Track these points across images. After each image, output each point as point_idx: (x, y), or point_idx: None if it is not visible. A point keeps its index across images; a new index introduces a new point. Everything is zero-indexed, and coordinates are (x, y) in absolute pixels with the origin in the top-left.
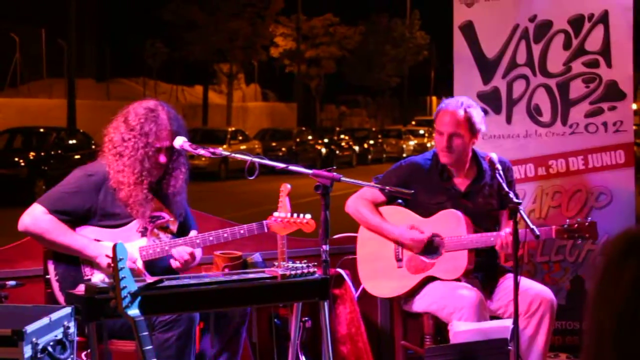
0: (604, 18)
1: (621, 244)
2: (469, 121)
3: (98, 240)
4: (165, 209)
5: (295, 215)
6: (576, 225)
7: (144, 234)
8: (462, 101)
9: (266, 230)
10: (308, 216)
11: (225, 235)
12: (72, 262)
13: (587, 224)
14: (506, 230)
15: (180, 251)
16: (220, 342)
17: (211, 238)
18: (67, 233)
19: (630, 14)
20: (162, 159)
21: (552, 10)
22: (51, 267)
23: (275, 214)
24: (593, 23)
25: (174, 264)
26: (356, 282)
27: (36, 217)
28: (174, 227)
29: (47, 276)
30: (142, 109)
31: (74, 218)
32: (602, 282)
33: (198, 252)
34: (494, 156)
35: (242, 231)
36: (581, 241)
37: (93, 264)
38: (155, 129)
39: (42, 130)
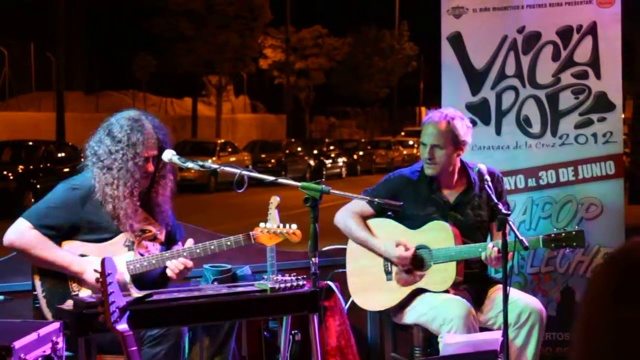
0: (592, 29)
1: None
2: (451, 133)
3: (84, 256)
4: (151, 219)
5: (281, 225)
6: (563, 234)
7: (130, 247)
8: (447, 113)
9: (253, 242)
10: (294, 226)
11: (213, 247)
12: (59, 277)
13: (574, 232)
14: (494, 242)
15: (176, 263)
16: (208, 354)
17: (198, 250)
18: (52, 248)
19: (618, 26)
20: (150, 167)
21: (541, 22)
22: (38, 283)
23: (262, 224)
24: (582, 34)
25: (170, 272)
26: (346, 295)
27: (21, 232)
28: (161, 237)
29: (34, 292)
30: (126, 120)
31: (59, 233)
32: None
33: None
34: (483, 167)
35: (229, 243)
36: (569, 250)
37: (80, 280)
38: (142, 138)
39: (31, 143)
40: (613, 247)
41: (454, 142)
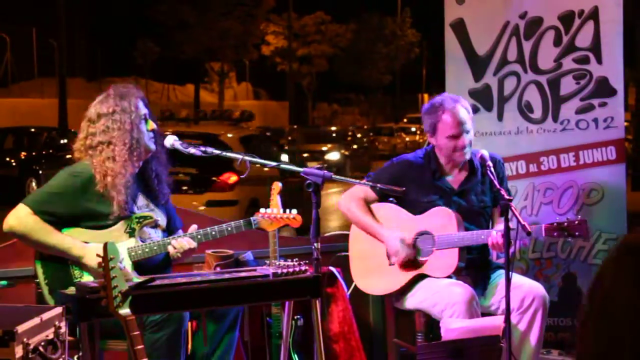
0: (594, 14)
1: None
2: (470, 115)
3: (86, 243)
4: (152, 205)
5: (282, 211)
6: (566, 223)
7: (131, 234)
8: (458, 97)
9: (254, 227)
10: (294, 211)
11: (214, 232)
12: (61, 263)
13: (577, 222)
14: (497, 228)
15: (180, 240)
16: (213, 341)
17: (199, 236)
18: (53, 233)
19: (620, 10)
20: (152, 125)
21: (542, 7)
22: (40, 269)
23: (262, 210)
24: (583, 19)
25: (171, 250)
26: (348, 280)
27: (21, 218)
28: (163, 223)
29: (36, 280)
30: (108, 97)
31: (59, 219)
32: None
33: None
34: (485, 153)
35: (230, 228)
36: (572, 239)
37: (82, 265)
38: (134, 101)
39: (33, 130)
40: (614, 233)
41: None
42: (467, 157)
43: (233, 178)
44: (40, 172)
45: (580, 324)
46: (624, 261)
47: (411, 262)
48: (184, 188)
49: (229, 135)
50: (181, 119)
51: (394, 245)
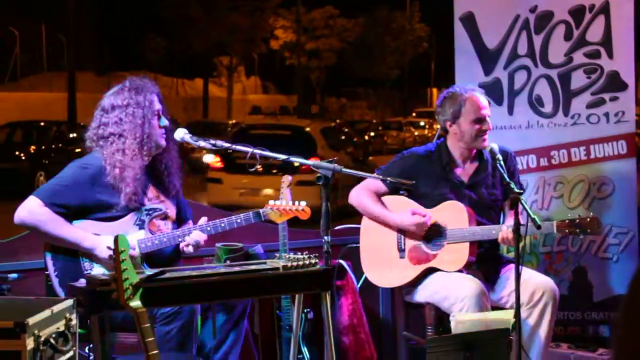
0: (604, 8)
1: None
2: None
3: (96, 234)
4: (162, 196)
5: (290, 203)
6: (577, 220)
7: (141, 226)
8: (475, 87)
9: (263, 219)
10: (303, 203)
11: (223, 224)
12: (71, 256)
13: (588, 219)
14: (508, 223)
15: (194, 236)
16: (221, 332)
17: (209, 228)
18: (64, 225)
19: (631, 4)
20: (164, 121)
21: (553, 1)
22: (50, 262)
23: (271, 202)
24: (594, 14)
25: (183, 244)
26: (358, 273)
27: (32, 210)
28: (173, 215)
29: (46, 272)
30: (123, 89)
31: (69, 211)
32: None
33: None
34: (495, 146)
35: (239, 220)
36: (583, 236)
37: (92, 257)
38: (149, 96)
39: (42, 124)
40: (625, 227)
41: None
42: (487, 144)
43: None
44: (49, 166)
45: (618, 343)
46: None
47: (423, 254)
48: (274, 171)
49: (307, 129)
50: (268, 113)
51: (409, 220)
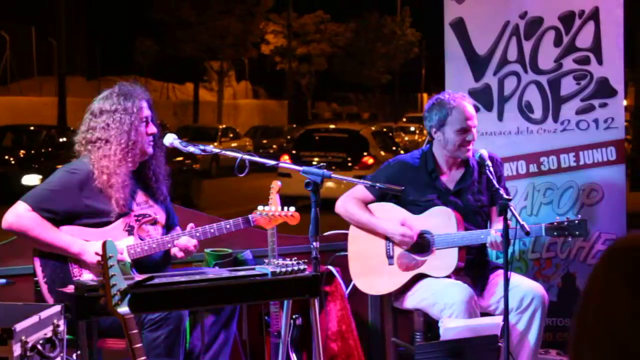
0: (594, 15)
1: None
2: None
3: (85, 240)
4: (151, 201)
5: (279, 208)
6: (566, 222)
7: (130, 232)
8: (465, 94)
9: (252, 225)
10: (292, 209)
11: (212, 230)
12: (60, 261)
13: (577, 221)
14: (496, 228)
15: (183, 241)
16: (209, 335)
17: (198, 234)
18: (51, 230)
19: (620, 11)
20: (152, 128)
21: (543, 7)
22: (38, 268)
23: (260, 207)
24: (584, 20)
25: (173, 250)
26: (347, 279)
27: (20, 215)
28: (162, 220)
29: (35, 278)
30: (112, 94)
31: (58, 216)
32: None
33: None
34: (485, 152)
35: (228, 226)
36: (571, 239)
37: (81, 263)
38: (138, 102)
39: (32, 128)
40: (614, 233)
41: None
42: (470, 154)
43: (370, 160)
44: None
45: (575, 340)
46: (612, 264)
47: (412, 261)
48: (333, 168)
49: (361, 132)
50: (325, 119)
51: (396, 230)
